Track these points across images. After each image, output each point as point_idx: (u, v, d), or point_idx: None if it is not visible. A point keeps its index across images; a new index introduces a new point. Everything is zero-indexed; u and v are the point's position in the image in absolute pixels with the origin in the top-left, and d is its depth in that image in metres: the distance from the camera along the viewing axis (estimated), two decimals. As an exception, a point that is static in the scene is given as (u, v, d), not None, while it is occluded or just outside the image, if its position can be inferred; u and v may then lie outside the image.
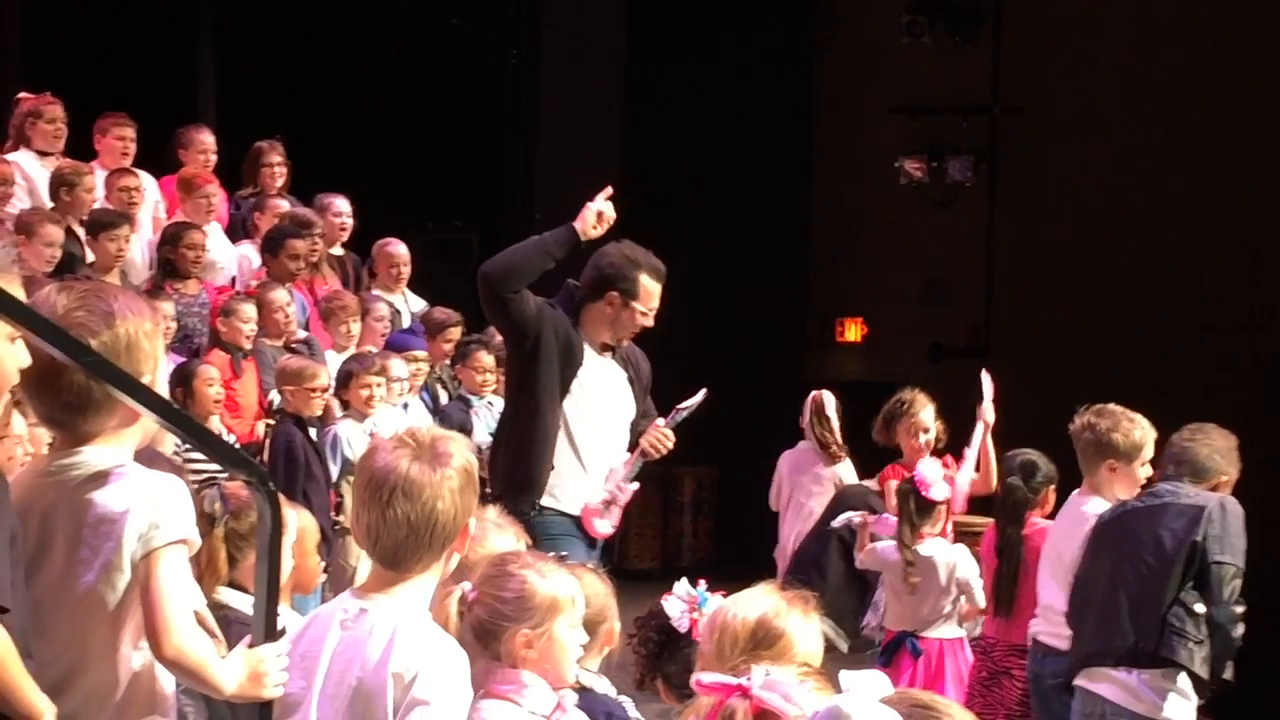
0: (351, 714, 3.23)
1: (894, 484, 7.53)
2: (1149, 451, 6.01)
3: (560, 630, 3.49)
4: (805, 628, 3.18)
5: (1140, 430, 5.99)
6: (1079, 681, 5.67)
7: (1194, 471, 5.59)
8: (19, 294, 3.13)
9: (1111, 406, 6.07)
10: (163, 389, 3.44)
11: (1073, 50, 15.55)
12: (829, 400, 9.29)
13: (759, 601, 3.22)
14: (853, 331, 16.31)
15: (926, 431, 7.70)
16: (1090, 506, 6.07)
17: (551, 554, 3.93)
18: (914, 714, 2.21)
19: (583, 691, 3.79)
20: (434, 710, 3.14)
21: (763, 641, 3.11)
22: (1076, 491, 6.30)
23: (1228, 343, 14.73)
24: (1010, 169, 15.97)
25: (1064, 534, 6.21)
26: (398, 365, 8.70)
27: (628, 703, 4.19)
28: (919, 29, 15.55)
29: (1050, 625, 6.14)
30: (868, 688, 2.24)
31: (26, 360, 3.14)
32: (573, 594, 3.53)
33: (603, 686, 4.10)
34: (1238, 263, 14.76)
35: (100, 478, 3.23)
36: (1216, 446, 5.63)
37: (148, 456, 3.65)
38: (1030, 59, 15.70)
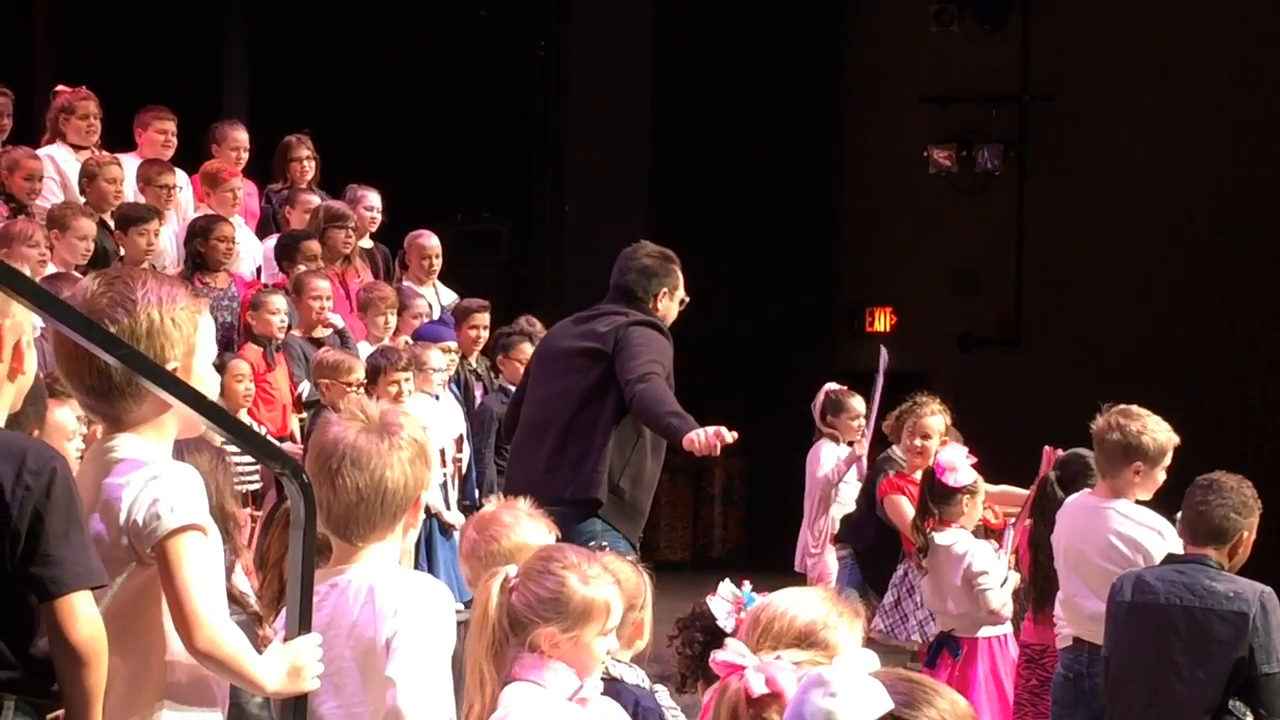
0: (365, 679, 3.27)
1: (899, 499, 7.46)
2: (1169, 456, 5.93)
3: (589, 637, 3.43)
4: (850, 640, 3.11)
5: (1165, 434, 5.89)
6: None
7: (1215, 537, 5.47)
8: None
9: (1136, 408, 5.94)
10: (203, 378, 3.29)
11: (1102, 38, 15.50)
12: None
13: (812, 606, 3.12)
14: (882, 321, 16.28)
15: (928, 438, 7.63)
16: (1121, 507, 5.90)
17: (593, 543, 3.90)
18: (898, 686, 2.22)
19: (610, 682, 3.78)
20: (410, 636, 3.22)
21: (809, 648, 3.01)
22: (1088, 492, 6.11)
23: (1260, 330, 14.68)
24: (1040, 157, 15.93)
25: (1079, 532, 5.99)
26: (435, 356, 8.64)
27: (661, 690, 4.15)
28: (948, 17, 15.54)
29: (1097, 625, 5.95)
30: (854, 662, 2.28)
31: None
32: (610, 602, 3.46)
33: (633, 677, 4.07)
34: (1271, 250, 14.70)
35: (113, 465, 3.16)
36: (1231, 504, 5.48)
37: (191, 440, 3.60)
38: (1059, 47, 15.65)
